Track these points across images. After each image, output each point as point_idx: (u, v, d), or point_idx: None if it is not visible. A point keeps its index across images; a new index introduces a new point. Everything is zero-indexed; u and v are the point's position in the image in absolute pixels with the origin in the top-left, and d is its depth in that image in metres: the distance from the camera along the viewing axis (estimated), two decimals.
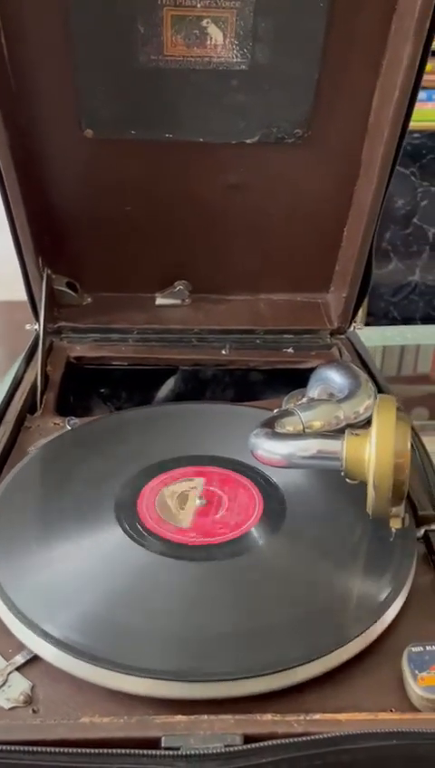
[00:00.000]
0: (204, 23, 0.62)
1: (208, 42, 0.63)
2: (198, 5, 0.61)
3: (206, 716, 0.40)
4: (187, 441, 0.62)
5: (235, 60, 0.65)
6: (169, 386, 0.84)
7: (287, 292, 0.85)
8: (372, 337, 1.28)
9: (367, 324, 2.07)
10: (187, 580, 0.49)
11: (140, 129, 0.70)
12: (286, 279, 0.84)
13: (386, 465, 0.47)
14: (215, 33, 0.63)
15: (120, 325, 0.81)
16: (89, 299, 0.83)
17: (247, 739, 0.38)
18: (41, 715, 0.41)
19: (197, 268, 0.83)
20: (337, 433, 0.55)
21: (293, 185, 0.75)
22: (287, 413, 0.58)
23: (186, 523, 0.53)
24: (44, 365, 0.75)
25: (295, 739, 0.37)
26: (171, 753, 0.37)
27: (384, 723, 0.39)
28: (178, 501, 0.55)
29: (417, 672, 0.41)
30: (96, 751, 0.37)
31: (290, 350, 0.82)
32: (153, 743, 0.38)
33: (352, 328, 0.84)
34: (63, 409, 0.73)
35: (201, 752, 0.37)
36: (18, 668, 0.44)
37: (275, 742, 0.37)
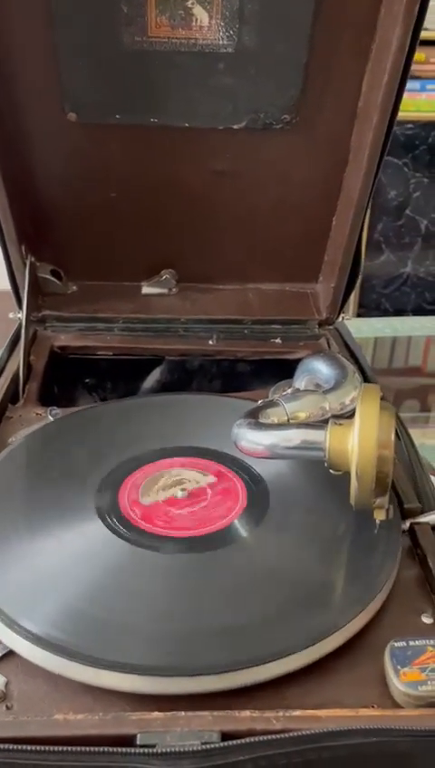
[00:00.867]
0: (189, 3, 0.61)
1: (194, 23, 0.62)
2: None
3: (183, 713, 0.39)
4: (170, 432, 0.61)
5: (221, 42, 0.63)
6: (154, 376, 0.83)
7: (276, 281, 0.84)
8: (363, 328, 1.27)
9: (358, 316, 2.06)
10: (166, 573, 0.48)
11: (125, 113, 0.68)
12: (275, 268, 0.83)
13: (369, 455, 0.46)
14: (200, 14, 0.61)
15: (106, 314, 0.80)
16: (74, 287, 0.82)
17: (225, 736, 0.37)
18: (14, 712, 0.40)
19: (184, 257, 0.82)
20: (322, 423, 0.54)
21: (281, 172, 0.74)
22: (272, 404, 0.57)
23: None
24: (27, 354, 0.74)
25: (274, 736, 0.36)
26: (146, 750, 0.36)
27: (365, 719, 0.39)
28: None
29: (399, 667, 0.41)
30: (68, 749, 0.36)
31: (278, 340, 0.81)
32: (128, 740, 0.37)
33: (340, 318, 0.83)
34: (47, 400, 0.72)
35: (177, 749, 0.36)
36: None
37: (253, 739, 0.36)
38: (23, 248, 0.75)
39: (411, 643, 0.42)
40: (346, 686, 0.42)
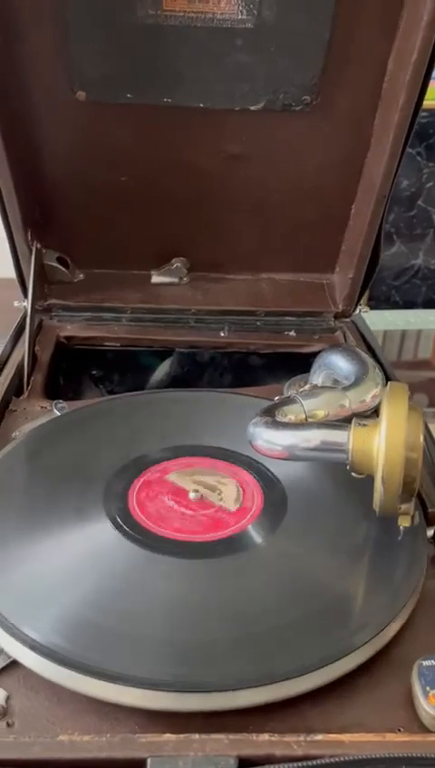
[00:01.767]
0: None
1: None
2: None
3: (197, 735, 0.36)
4: (182, 430, 0.59)
5: (240, 17, 0.60)
6: (164, 369, 0.81)
7: (290, 271, 0.81)
8: (375, 320, 1.24)
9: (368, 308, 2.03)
10: (179, 579, 0.45)
11: (136, 92, 0.65)
12: (290, 258, 0.80)
13: (397, 458, 0.43)
14: None
15: (114, 304, 0.77)
16: (81, 275, 0.79)
17: (242, 762, 0.35)
18: (15, 730, 0.37)
19: (195, 244, 0.79)
20: (342, 423, 0.51)
21: (298, 156, 0.71)
22: (289, 401, 0.54)
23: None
24: (32, 345, 0.71)
25: (296, 764, 0.34)
26: None
27: (392, 745, 0.36)
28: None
29: (429, 689, 0.38)
30: None
31: (292, 332, 0.78)
32: (138, 765, 0.35)
33: (357, 311, 0.80)
34: (53, 392, 0.69)
35: None
36: None
37: (273, 767, 0.33)
38: (28, 234, 0.72)
39: None
40: (370, 707, 0.39)
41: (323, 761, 0.34)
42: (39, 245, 0.74)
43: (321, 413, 0.54)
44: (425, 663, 0.39)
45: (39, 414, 0.64)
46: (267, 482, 0.52)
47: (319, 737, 0.36)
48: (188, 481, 0.52)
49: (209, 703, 0.38)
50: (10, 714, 0.38)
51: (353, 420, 0.48)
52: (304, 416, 0.53)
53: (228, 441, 0.56)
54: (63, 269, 0.78)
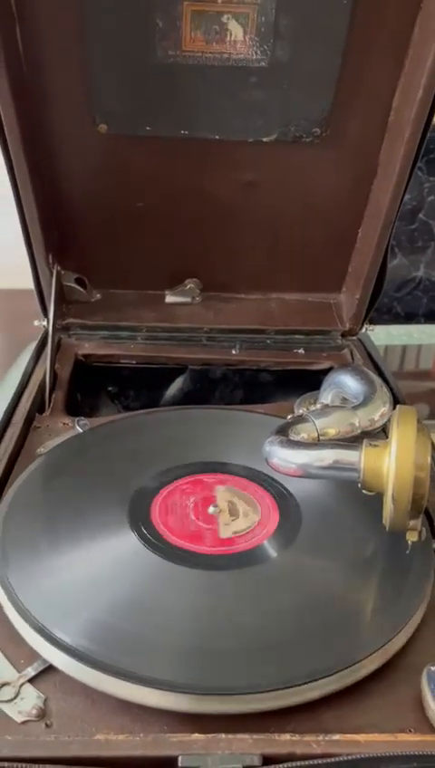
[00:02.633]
0: (224, 18, 0.61)
1: (228, 38, 0.62)
2: (219, 1, 0.60)
3: (223, 735, 0.39)
4: (200, 446, 0.61)
5: (254, 56, 0.63)
6: (177, 385, 0.83)
7: (299, 291, 0.84)
8: (379, 335, 1.27)
9: (370, 321, 2.07)
10: (201, 589, 0.48)
11: (155, 125, 0.68)
12: (298, 278, 0.83)
13: (406, 477, 0.46)
14: (235, 29, 0.61)
15: (130, 323, 0.80)
16: (98, 295, 0.82)
17: (266, 760, 0.38)
18: (54, 731, 0.40)
19: (207, 266, 0.82)
20: (352, 441, 0.54)
21: (308, 184, 0.74)
22: (301, 419, 0.57)
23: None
24: (53, 363, 0.74)
25: (315, 761, 0.37)
26: None
27: (404, 744, 0.39)
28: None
29: None
30: None
31: (301, 350, 0.81)
32: (169, 762, 0.38)
33: (363, 329, 0.83)
34: (71, 407, 0.72)
35: None
36: (30, 680, 0.43)
37: (294, 764, 0.36)
38: (49, 257, 0.75)
39: None
40: (383, 710, 0.42)
41: (341, 758, 0.37)
42: (59, 268, 0.77)
43: (332, 431, 0.57)
44: (433, 668, 0.42)
45: (61, 430, 0.67)
46: (282, 498, 0.55)
47: (336, 737, 0.39)
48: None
49: (233, 706, 0.41)
50: (48, 715, 0.41)
51: (365, 441, 0.51)
52: (316, 434, 0.56)
53: (247, 458, 0.59)
54: (82, 289, 0.81)
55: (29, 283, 0.77)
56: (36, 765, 0.36)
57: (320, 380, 0.68)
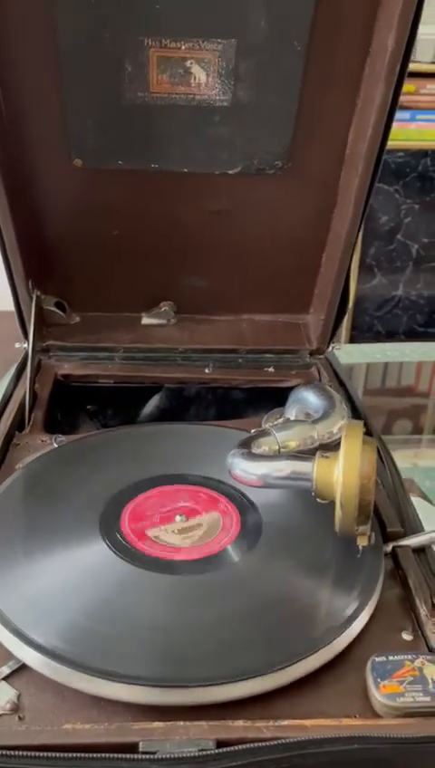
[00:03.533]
0: (188, 63, 0.65)
1: (192, 80, 0.66)
2: (183, 47, 0.65)
3: (181, 723, 0.42)
4: (169, 460, 0.65)
5: (217, 97, 0.68)
6: (153, 403, 0.87)
7: (269, 313, 0.88)
8: (354, 354, 1.32)
9: (351, 338, 2.11)
10: (165, 592, 0.51)
11: (127, 160, 0.73)
12: (268, 301, 0.87)
13: (352, 486, 0.50)
14: (198, 73, 0.66)
15: (107, 344, 0.84)
16: (77, 318, 0.86)
17: (220, 744, 0.41)
18: (26, 722, 0.43)
19: (181, 289, 0.86)
20: (312, 452, 0.58)
21: (273, 212, 0.79)
22: (264, 433, 0.61)
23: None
24: (33, 384, 0.78)
25: (264, 743, 0.40)
26: (148, 756, 0.40)
27: (347, 728, 0.42)
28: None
29: (379, 680, 0.44)
30: (76, 755, 0.39)
31: (271, 369, 0.85)
32: (131, 747, 0.41)
33: (330, 348, 0.87)
34: (51, 426, 0.76)
35: (176, 755, 0.40)
36: (5, 678, 0.47)
37: (245, 746, 0.40)
38: (29, 283, 0.79)
39: (391, 658, 0.46)
40: (331, 699, 0.45)
41: (287, 740, 0.40)
42: (39, 293, 0.81)
43: (293, 444, 0.61)
44: (377, 659, 0.46)
45: (40, 447, 0.70)
46: (245, 507, 0.59)
47: (285, 722, 0.42)
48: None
49: (191, 697, 0.44)
50: (21, 709, 0.44)
51: (318, 453, 0.55)
52: (277, 447, 0.60)
53: (212, 470, 0.63)
54: (61, 313, 0.85)
55: (8, 305, 0.81)
56: (8, 751, 0.40)
57: (289, 397, 0.72)
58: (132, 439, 0.70)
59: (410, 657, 0.46)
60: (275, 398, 0.82)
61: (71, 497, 0.60)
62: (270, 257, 0.83)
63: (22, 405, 0.76)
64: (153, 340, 0.85)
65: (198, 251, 0.82)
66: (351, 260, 0.79)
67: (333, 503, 0.52)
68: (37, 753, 0.40)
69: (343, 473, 0.50)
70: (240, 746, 0.40)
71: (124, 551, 0.54)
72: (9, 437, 0.71)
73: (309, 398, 0.68)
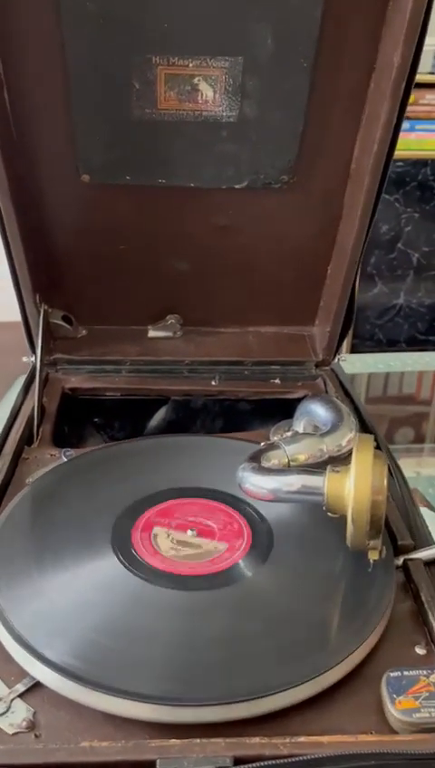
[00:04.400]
0: (195, 80, 0.66)
1: (200, 97, 0.67)
2: (190, 65, 0.65)
3: (198, 740, 0.42)
4: (179, 473, 0.65)
5: (224, 113, 0.69)
6: (160, 415, 0.87)
7: (274, 325, 0.89)
8: (357, 364, 1.32)
9: (353, 347, 2.12)
10: (179, 609, 0.51)
11: (135, 175, 0.73)
12: (273, 313, 0.88)
13: (364, 501, 0.50)
14: (206, 90, 0.67)
15: (114, 357, 0.84)
16: (84, 332, 0.87)
17: (237, 761, 0.41)
18: (43, 740, 0.43)
19: (188, 302, 0.86)
20: (321, 465, 0.58)
21: (279, 226, 0.79)
22: (273, 446, 0.62)
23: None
24: (41, 398, 0.78)
25: (281, 760, 0.40)
26: None
27: (364, 744, 0.42)
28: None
29: (395, 696, 0.44)
30: None
31: (277, 380, 0.85)
32: (149, 765, 0.41)
33: (336, 360, 0.88)
34: (59, 438, 0.76)
35: None
36: (20, 695, 0.47)
37: (262, 763, 0.40)
38: (37, 297, 0.79)
39: (406, 673, 0.46)
40: (347, 714, 0.45)
41: (305, 757, 0.40)
42: (46, 307, 0.81)
43: (302, 457, 0.61)
44: (392, 674, 0.46)
45: (49, 461, 0.70)
46: (255, 521, 0.59)
47: (302, 739, 0.43)
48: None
49: (207, 715, 0.44)
50: (37, 727, 0.45)
51: (328, 467, 0.55)
52: (286, 460, 0.61)
53: (222, 483, 0.63)
54: (68, 326, 0.85)
55: (15, 316, 0.82)
56: None
57: (295, 408, 0.72)
58: (141, 452, 0.70)
59: (425, 672, 0.46)
60: (282, 409, 0.82)
61: (82, 511, 0.60)
62: (276, 270, 0.83)
63: (30, 419, 0.76)
64: (160, 353, 0.85)
65: (204, 264, 0.83)
66: (357, 273, 0.79)
67: (343, 517, 0.53)
68: None
69: (354, 488, 0.50)
70: (258, 763, 0.40)
71: (136, 566, 0.54)
72: (18, 452, 0.71)
73: (317, 411, 0.68)
